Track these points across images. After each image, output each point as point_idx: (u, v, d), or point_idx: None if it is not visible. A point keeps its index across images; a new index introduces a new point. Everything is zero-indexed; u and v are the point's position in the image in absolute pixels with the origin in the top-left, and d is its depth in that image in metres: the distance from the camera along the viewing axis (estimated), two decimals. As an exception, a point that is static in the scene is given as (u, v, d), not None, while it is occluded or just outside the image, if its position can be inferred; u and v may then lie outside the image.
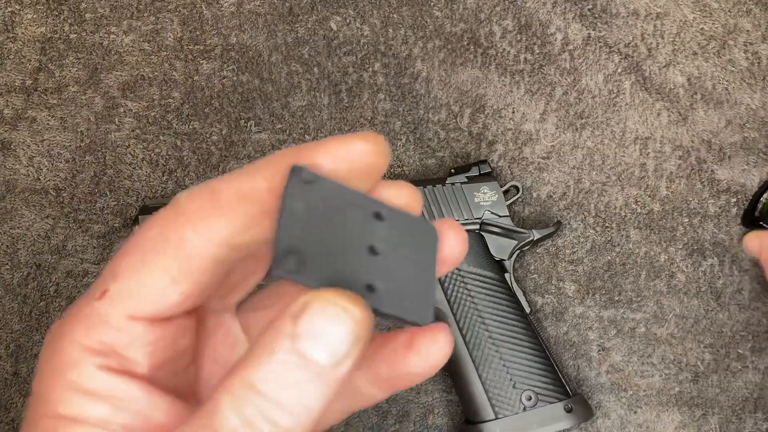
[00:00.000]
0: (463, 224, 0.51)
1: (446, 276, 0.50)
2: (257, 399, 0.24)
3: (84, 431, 0.26)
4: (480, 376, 0.49)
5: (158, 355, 0.28)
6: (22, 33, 0.57)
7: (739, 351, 0.53)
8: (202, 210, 0.27)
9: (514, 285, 0.51)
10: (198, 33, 0.57)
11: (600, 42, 0.57)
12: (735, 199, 0.54)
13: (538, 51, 0.57)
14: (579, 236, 0.54)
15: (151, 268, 0.26)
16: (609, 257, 0.54)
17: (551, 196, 0.55)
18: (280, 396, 0.24)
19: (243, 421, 0.24)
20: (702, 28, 0.57)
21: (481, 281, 0.50)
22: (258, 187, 0.27)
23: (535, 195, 0.55)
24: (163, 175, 0.55)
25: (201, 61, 0.57)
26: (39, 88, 0.56)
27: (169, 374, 0.29)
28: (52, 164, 0.55)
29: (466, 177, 0.52)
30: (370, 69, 0.56)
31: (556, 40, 0.57)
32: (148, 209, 0.52)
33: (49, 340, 0.27)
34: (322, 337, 0.24)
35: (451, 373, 0.51)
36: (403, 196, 0.28)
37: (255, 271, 0.31)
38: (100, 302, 0.26)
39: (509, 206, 0.53)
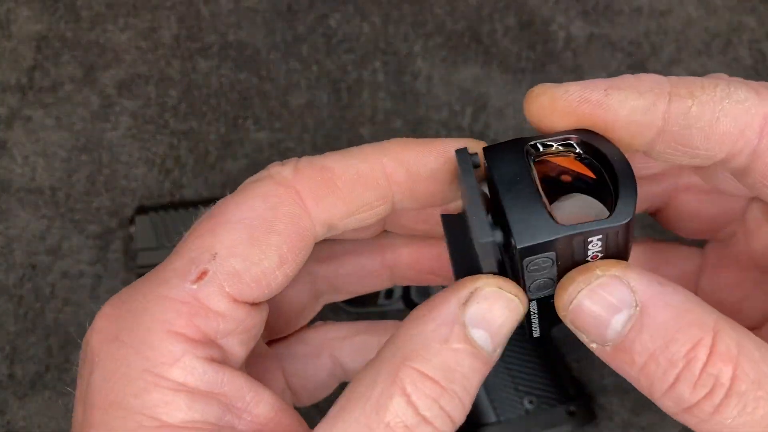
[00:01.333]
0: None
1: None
2: (429, 388, 0.23)
3: None
4: (482, 379, 0.48)
5: (249, 344, 0.26)
6: (18, 31, 0.57)
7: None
8: (317, 188, 0.26)
9: (516, 286, 0.51)
10: (195, 30, 0.57)
11: (603, 39, 0.56)
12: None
13: (540, 49, 0.56)
14: (582, 237, 0.54)
15: (262, 245, 0.24)
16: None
17: (554, 196, 0.54)
18: (452, 385, 0.23)
19: (413, 410, 0.22)
20: (706, 26, 0.56)
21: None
22: (378, 171, 0.26)
23: (537, 195, 0.55)
24: (160, 175, 0.55)
25: (198, 59, 0.56)
26: (34, 87, 0.56)
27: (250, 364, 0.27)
28: (48, 163, 0.55)
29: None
30: (370, 67, 0.56)
31: (558, 38, 0.56)
32: (144, 209, 0.52)
33: (123, 326, 0.24)
34: (493, 328, 0.24)
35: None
36: None
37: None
38: (199, 285, 0.24)
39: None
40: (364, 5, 0.57)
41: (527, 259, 0.24)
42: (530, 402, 0.48)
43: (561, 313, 0.24)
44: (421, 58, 0.56)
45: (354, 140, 0.55)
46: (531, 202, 0.24)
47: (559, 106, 0.25)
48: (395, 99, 0.56)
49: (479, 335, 0.23)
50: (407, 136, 0.56)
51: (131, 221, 0.52)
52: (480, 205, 0.24)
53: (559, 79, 0.56)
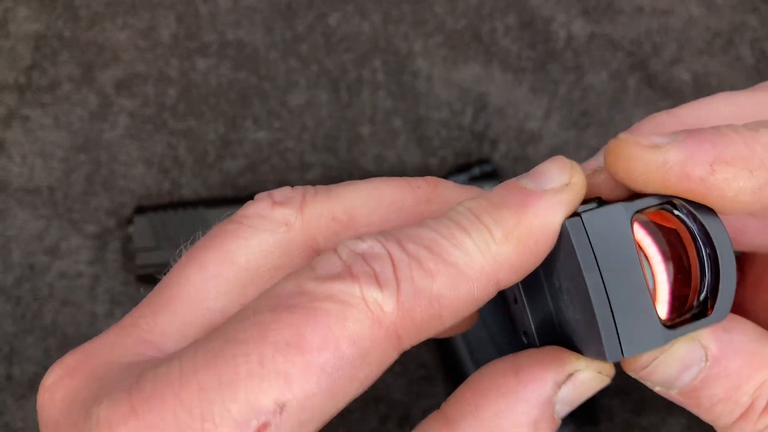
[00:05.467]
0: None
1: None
2: None
3: None
4: (482, 380, 0.48)
5: None
6: (16, 30, 0.56)
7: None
8: (422, 328, 0.21)
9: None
10: (194, 29, 0.56)
11: (604, 39, 0.56)
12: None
13: (541, 48, 0.56)
14: (583, 237, 0.54)
15: (340, 396, 0.20)
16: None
17: (554, 196, 0.54)
18: None
19: None
20: (708, 25, 0.56)
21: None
22: (493, 289, 0.22)
23: (537, 195, 0.54)
24: (158, 175, 0.55)
25: (197, 58, 0.56)
26: (32, 86, 0.56)
27: None
28: (46, 163, 0.55)
29: (468, 177, 0.52)
30: (370, 66, 0.56)
31: (559, 37, 0.56)
32: (143, 209, 0.51)
33: None
34: (577, 403, 0.23)
35: (453, 376, 0.50)
36: None
37: None
38: None
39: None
40: (364, 4, 0.57)
41: None
42: (531, 403, 0.48)
43: (627, 371, 0.24)
44: (421, 57, 0.56)
45: (354, 140, 0.55)
46: (638, 298, 0.22)
47: (654, 177, 0.22)
48: (395, 98, 0.55)
49: (563, 410, 0.23)
50: (407, 136, 0.56)
51: (129, 221, 0.51)
52: (610, 315, 0.22)
53: (559, 79, 0.55)
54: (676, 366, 0.23)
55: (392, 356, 0.21)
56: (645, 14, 0.56)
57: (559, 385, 0.22)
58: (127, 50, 0.56)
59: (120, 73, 0.56)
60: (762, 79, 0.55)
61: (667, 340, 0.22)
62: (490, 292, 0.22)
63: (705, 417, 0.24)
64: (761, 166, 0.21)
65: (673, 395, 0.24)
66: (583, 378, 0.23)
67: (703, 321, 0.22)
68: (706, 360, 0.23)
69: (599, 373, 0.23)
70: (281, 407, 0.20)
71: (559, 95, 0.55)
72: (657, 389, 0.24)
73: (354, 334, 0.20)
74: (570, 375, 0.22)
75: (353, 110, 0.55)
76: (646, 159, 0.22)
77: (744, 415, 0.23)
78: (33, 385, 0.52)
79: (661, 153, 0.22)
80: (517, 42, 0.56)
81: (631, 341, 0.22)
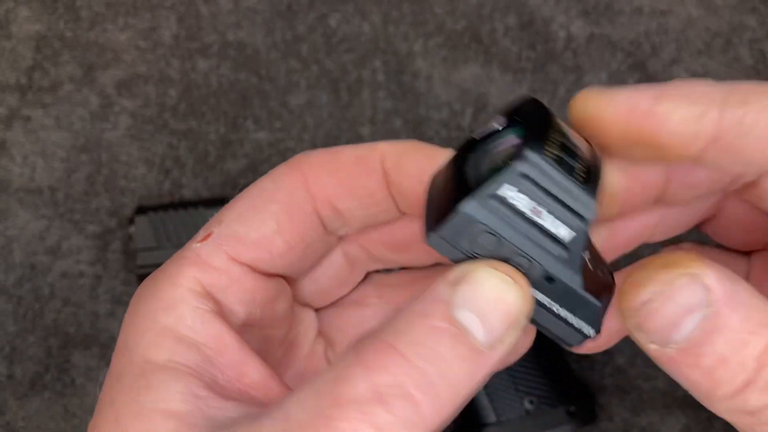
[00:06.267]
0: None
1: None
2: (396, 366, 0.20)
3: (173, 380, 0.23)
4: (482, 379, 0.48)
5: (253, 309, 0.27)
6: (17, 30, 0.57)
7: (745, 353, 0.52)
8: (319, 167, 0.28)
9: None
10: (195, 30, 0.57)
11: (604, 39, 0.56)
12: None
13: (540, 48, 0.56)
14: (582, 237, 0.54)
15: (259, 213, 0.27)
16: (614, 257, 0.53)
17: (554, 196, 0.54)
18: (424, 366, 0.20)
19: (373, 392, 0.20)
20: (707, 26, 0.56)
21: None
22: (375, 157, 0.27)
23: (537, 195, 0.54)
24: (159, 175, 0.55)
25: (198, 59, 0.56)
26: (33, 87, 0.56)
27: (259, 338, 0.28)
28: (47, 163, 0.55)
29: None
30: (370, 67, 0.56)
31: (558, 38, 0.56)
32: (144, 209, 0.52)
33: (145, 285, 0.27)
34: (482, 310, 0.21)
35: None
36: None
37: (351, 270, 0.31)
38: (203, 244, 0.26)
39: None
40: (364, 5, 0.57)
41: (462, 235, 0.22)
42: (530, 402, 0.48)
43: (626, 314, 0.22)
44: (421, 58, 0.56)
45: (354, 140, 0.55)
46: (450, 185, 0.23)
47: (606, 115, 0.24)
48: (395, 99, 0.55)
49: (466, 316, 0.21)
50: (407, 136, 0.56)
51: (131, 221, 0.52)
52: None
53: (559, 79, 0.56)
54: (679, 305, 0.21)
55: (299, 188, 0.28)
56: (644, 15, 0.56)
57: (451, 285, 0.22)
58: (128, 51, 0.56)
59: (121, 73, 0.56)
60: (761, 80, 0.55)
61: (493, 188, 0.21)
62: (374, 159, 0.28)
63: (704, 386, 0.22)
64: (701, 99, 0.23)
65: (669, 354, 0.22)
66: (477, 277, 0.22)
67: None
68: (710, 306, 0.21)
69: (495, 269, 0.22)
70: (220, 222, 0.27)
71: (559, 96, 0.55)
72: (651, 347, 0.22)
73: (271, 172, 0.28)
74: (464, 275, 0.22)
75: (353, 110, 0.55)
76: (598, 99, 0.24)
77: (749, 382, 0.22)
78: (34, 384, 0.52)
79: (611, 93, 0.24)
80: (517, 42, 0.56)
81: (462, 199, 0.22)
